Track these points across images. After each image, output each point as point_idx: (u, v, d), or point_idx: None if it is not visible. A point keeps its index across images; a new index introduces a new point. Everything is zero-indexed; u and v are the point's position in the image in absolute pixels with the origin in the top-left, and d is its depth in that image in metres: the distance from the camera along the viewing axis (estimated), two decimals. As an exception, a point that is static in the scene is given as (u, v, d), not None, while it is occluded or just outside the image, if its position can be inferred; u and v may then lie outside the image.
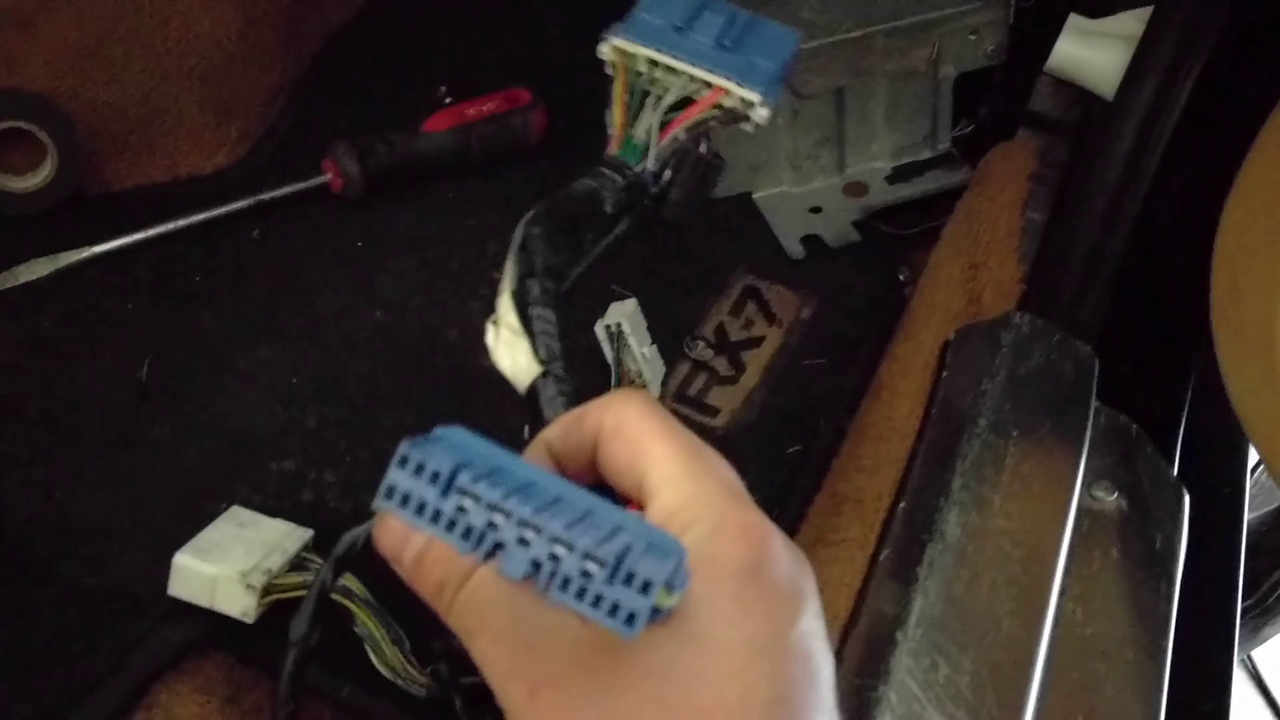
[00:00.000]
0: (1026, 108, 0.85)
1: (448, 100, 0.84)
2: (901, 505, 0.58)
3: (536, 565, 0.28)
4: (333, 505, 0.64)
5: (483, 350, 0.71)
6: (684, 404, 0.72)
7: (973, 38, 0.85)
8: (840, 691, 0.51)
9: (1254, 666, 1.32)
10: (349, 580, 0.55)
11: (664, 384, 0.72)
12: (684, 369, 0.74)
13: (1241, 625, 0.65)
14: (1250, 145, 0.64)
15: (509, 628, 0.31)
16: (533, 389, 0.48)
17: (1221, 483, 0.69)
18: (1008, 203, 0.77)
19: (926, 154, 0.89)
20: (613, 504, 0.30)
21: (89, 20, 0.76)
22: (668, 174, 0.58)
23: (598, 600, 0.28)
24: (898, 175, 0.88)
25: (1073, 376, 0.65)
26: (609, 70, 0.58)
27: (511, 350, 0.51)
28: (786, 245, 0.83)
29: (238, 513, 0.60)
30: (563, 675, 0.30)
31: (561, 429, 0.35)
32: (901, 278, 0.81)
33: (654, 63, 0.56)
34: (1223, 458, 0.71)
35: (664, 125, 0.57)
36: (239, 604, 0.56)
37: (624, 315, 0.69)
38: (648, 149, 0.57)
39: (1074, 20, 0.78)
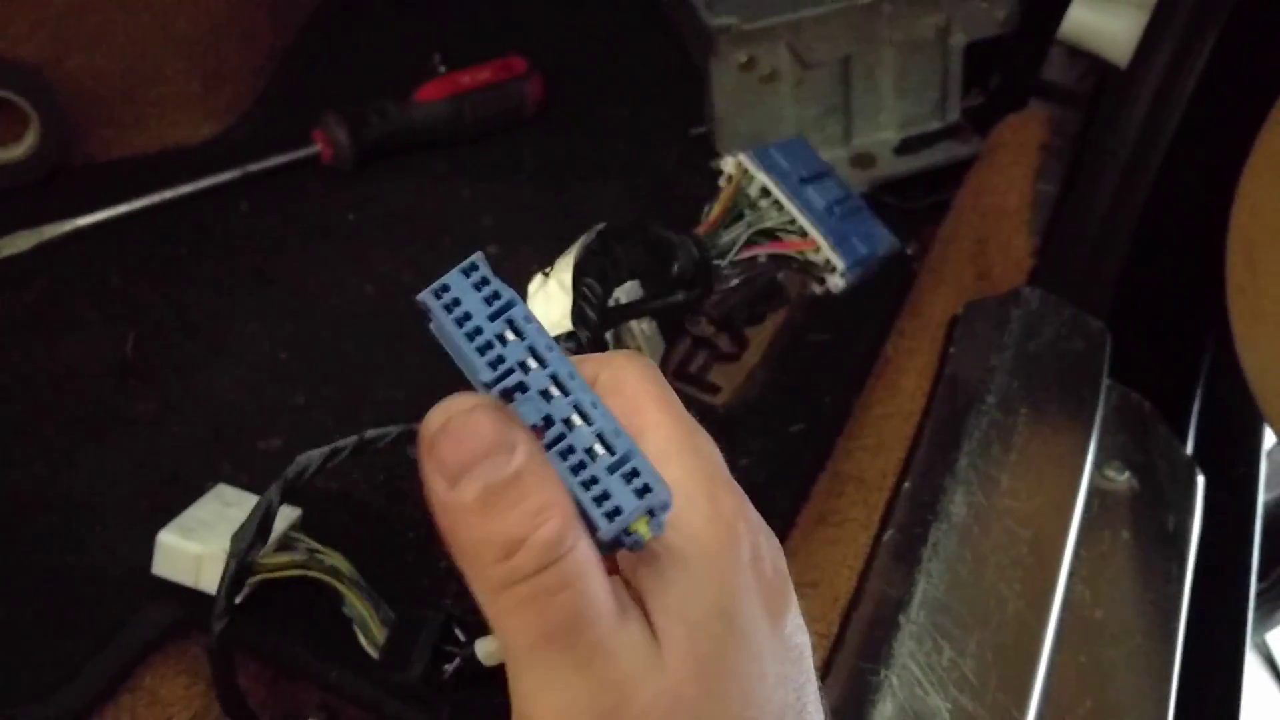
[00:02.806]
0: (1038, 77, 0.83)
1: (441, 69, 0.82)
2: (906, 485, 0.57)
3: (548, 422, 0.27)
4: (321, 484, 0.62)
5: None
6: (685, 381, 0.71)
7: (984, 5, 0.83)
8: (842, 675, 0.50)
9: (1268, 650, 1.31)
10: (337, 560, 0.54)
11: (664, 361, 0.71)
12: (684, 345, 0.73)
13: (1255, 608, 0.63)
14: (1267, 115, 0.62)
15: (609, 644, 0.25)
16: None
17: (1236, 462, 0.68)
18: (1018, 175, 0.75)
19: (935, 125, 0.87)
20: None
21: (73, -14, 0.74)
22: (735, 281, 0.66)
23: (591, 482, 0.26)
24: (906, 147, 0.86)
25: (1084, 352, 0.64)
26: (721, 181, 0.68)
27: (549, 302, 0.52)
28: (790, 218, 0.81)
29: (223, 491, 0.59)
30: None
31: None
32: (909, 252, 0.79)
33: (766, 191, 0.66)
34: (1237, 437, 0.69)
35: (751, 242, 0.65)
36: (224, 584, 0.54)
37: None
38: (726, 251, 0.64)
39: (1087, -14, 0.77)
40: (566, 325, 0.50)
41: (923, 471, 0.58)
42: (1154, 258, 0.71)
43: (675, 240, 0.60)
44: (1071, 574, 0.54)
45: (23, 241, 0.71)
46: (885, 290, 0.76)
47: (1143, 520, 0.59)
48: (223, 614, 0.45)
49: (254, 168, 0.77)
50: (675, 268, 0.60)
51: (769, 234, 0.65)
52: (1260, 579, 0.65)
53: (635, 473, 0.26)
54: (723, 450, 0.67)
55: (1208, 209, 0.65)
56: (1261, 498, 0.67)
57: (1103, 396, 0.62)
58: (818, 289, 0.66)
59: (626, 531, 0.26)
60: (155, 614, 0.55)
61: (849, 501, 0.60)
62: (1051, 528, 0.56)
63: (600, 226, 0.57)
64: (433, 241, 0.76)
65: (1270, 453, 0.71)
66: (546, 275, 0.57)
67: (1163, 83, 0.69)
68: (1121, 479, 0.60)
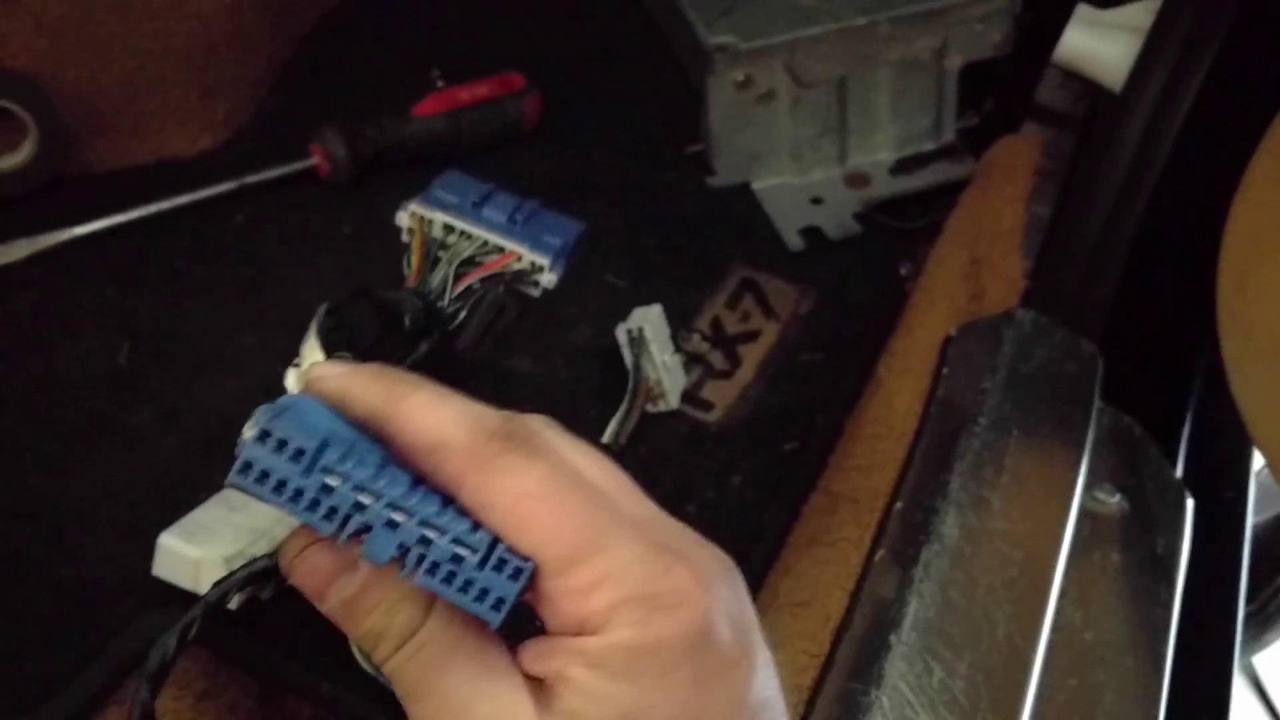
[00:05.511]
0: (1032, 100, 0.83)
1: (440, 84, 0.82)
2: (898, 505, 0.57)
3: (404, 549, 0.28)
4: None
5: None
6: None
7: (979, 27, 0.83)
8: (832, 695, 0.50)
9: (1255, 673, 1.31)
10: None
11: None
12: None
13: (1243, 631, 0.63)
14: (1259, 141, 0.63)
15: (458, 699, 0.29)
16: None
17: (1225, 486, 0.68)
18: (1012, 197, 0.76)
19: (930, 146, 0.87)
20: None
21: (72, -4, 0.74)
22: (463, 314, 0.70)
23: (466, 585, 0.27)
24: (901, 167, 0.86)
25: (1076, 375, 0.64)
26: (405, 236, 0.73)
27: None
28: (786, 237, 0.81)
29: (229, 495, 0.59)
30: None
31: (420, 435, 0.30)
32: (903, 272, 0.79)
33: (449, 227, 0.72)
34: (1227, 460, 0.69)
35: (459, 276, 0.71)
36: (222, 589, 0.54)
37: (647, 320, 0.68)
38: (444, 293, 0.70)
39: (1081, 11, 0.77)
40: None
41: (915, 492, 0.58)
42: (1146, 281, 0.72)
43: (399, 298, 0.67)
44: (1062, 596, 0.54)
45: (18, 250, 0.71)
46: (878, 310, 0.76)
47: (1133, 542, 0.59)
48: None
49: (251, 180, 0.77)
50: (407, 322, 0.65)
51: (471, 262, 0.72)
52: (1248, 602, 0.65)
53: (502, 561, 0.28)
54: (715, 468, 0.68)
55: (1200, 233, 0.66)
56: (1250, 521, 0.68)
57: (1094, 419, 0.62)
58: (534, 291, 0.73)
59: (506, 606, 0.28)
60: (146, 626, 0.55)
61: (841, 521, 0.60)
62: (1042, 549, 0.56)
63: (326, 305, 0.63)
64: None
65: (1259, 476, 0.71)
66: (298, 366, 0.62)
67: (1156, 107, 0.70)
68: (1112, 501, 0.60)
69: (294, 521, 0.57)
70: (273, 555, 0.32)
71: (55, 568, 0.58)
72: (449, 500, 0.29)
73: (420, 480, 0.29)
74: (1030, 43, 0.83)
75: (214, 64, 0.81)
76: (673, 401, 0.69)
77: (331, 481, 0.27)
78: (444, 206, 0.73)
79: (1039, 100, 0.84)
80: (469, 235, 0.72)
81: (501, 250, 0.72)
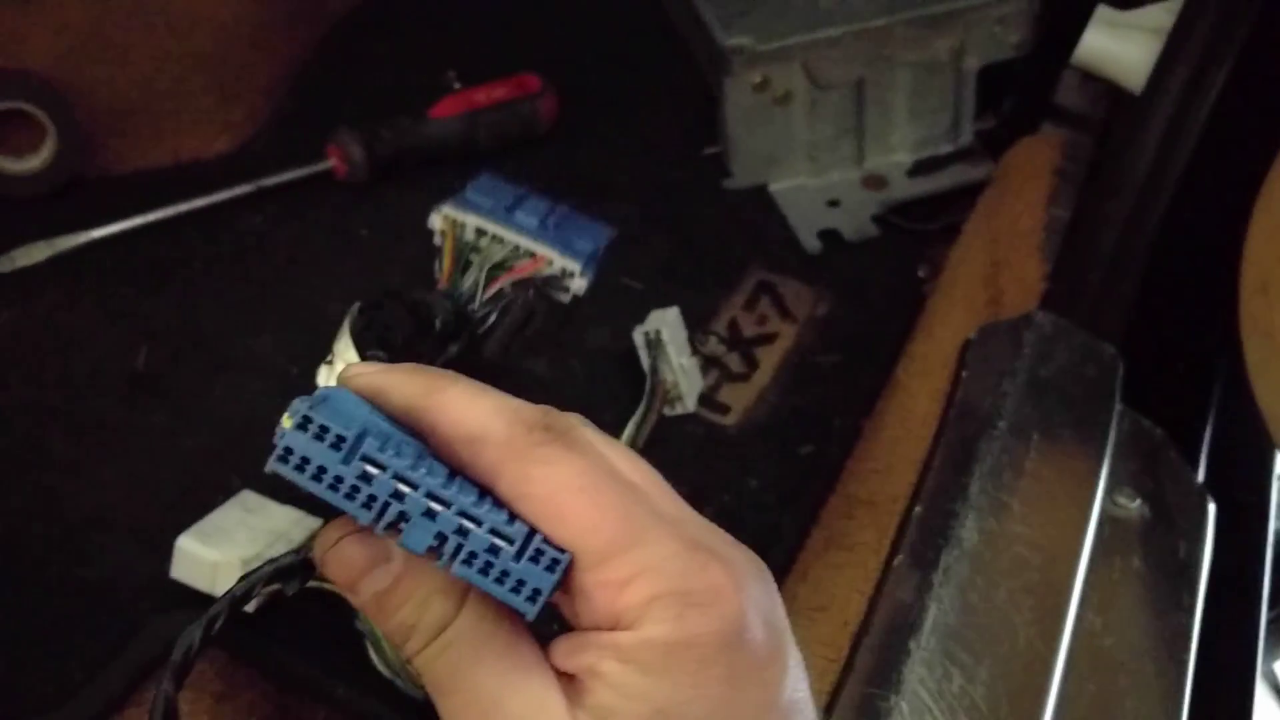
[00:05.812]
0: (1051, 101, 0.83)
1: (456, 85, 0.82)
2: (917, 509, 0.57)
3: (441, 538, 0.28)
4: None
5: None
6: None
7: (997, 29, 0.83)
8: (851, 700, 0.49)
9: (1276, 679, 1.29)
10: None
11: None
12: (695, 365, 0.72)
13: (1265, 637, 0.63)
14: (1283, 142, 0.62)
15: (489, 694, 0.28)
16: None
17: (1247, 490, 0.67)
18: (1031, 199, 0.75)
19: (948, 147, 0.87)
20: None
21: (91, 0, 0.74)
22: (493, 317, 0.70)
23: (502, 576, 0.28)
24: (918, 169, 0.86)
25: (1096, 378, 0.63)
26: (437, 239, 0.73)
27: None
28: (803, 239, 0.81)
29: (246, 497, 0.59)
30: None
31: (455, 423, 0.29)
32: (921, 274, 0.79)
33: (481, 231, 0.72)
34: (1249, 464, 0.69)
35: (490, 280, 0.71)
36: (238, 594, 0.54)
37: (665, 323, 0.68)
38: (474, 296, 0.70)
39: (1101, 12, 0.77)
40: None
41: (933, 496, 0.57)
42: (1166, 284, 0.71)
43: (430, 300, 0.67)
44: (1082, 601, 0.54)
45: (37, 253, 0.71)
46: (896, 312, 0.76)
47: (1153, 548, 0.58)
48: None
49: (268, 182, 0.77)
50: (438, 324, 0.66)
51: (502, 266, 0.72)
52: (1270, 607, 0.64)
53: (539, 553, 0.28)
54: (732, 471, 0.67)
55: (1221, 235, 0.65)
56: (1272, 525, 0.67)
57: (1114, 423, 0.61)
58: (564, 297, 0.73)
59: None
60: (163, 628, 0.55)
61: (859, 525, 0.60)
62: (1062, 554, 0.55)
63: (359, 304, 0.63)
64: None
65: (1280, 480, 0.71)
66: (330, 364, 0.62)
67: (1177, 109, 0.69)
68: (1133, 506, 0.59)
69: (312, 524, 0.58)
70: (298, 551, 0.31)
71: (73, 569, 0.58)
72: (486, 492, 0.28)
73: (457, 472, 0.29)
74: (1049, 44, 0.83)
75: (231, 67, 0.82)
76: (689, 404, 0.68)
77: (370, 470, 0.27)
78: (476, 210, 0.73)
79: (1058, 102, 0.83)
80: (500, 239, 0.72)
81: (532, 255, 0.72)
